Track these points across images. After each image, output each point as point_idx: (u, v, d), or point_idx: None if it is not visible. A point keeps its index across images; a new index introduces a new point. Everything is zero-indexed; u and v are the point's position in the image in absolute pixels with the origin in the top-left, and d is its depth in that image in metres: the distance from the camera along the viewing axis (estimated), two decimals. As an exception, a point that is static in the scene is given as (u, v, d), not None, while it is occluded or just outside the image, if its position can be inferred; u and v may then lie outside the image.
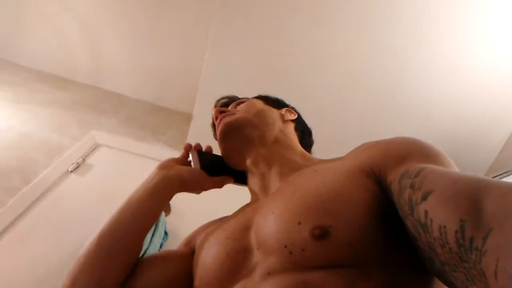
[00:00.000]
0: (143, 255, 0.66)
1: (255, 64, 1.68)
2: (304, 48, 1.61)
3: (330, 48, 1.59)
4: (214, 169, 0.71)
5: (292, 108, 0.84)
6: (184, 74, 2.32)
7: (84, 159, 1.69)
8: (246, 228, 0.55)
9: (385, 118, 1.72)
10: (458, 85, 1.58)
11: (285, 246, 0.44)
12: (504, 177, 1.44)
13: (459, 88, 1.58)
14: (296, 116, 0.80)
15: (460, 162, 1.78)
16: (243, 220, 0.57)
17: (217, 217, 1.39)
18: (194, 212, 1.23)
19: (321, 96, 1.71)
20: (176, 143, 2.01)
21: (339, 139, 1.81)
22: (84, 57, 2.43)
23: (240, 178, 0.74)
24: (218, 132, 0.71)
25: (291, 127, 0.76)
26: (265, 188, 0.66)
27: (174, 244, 1.37)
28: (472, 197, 0.31)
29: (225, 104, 0.84)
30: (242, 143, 0.69)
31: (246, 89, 1.71)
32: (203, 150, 0.77)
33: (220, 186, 0.73)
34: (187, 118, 2.01)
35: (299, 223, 0.44)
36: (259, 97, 0.82)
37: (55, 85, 2.30)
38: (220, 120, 0.72)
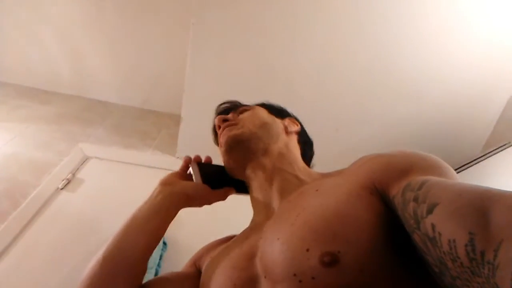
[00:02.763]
0: None
1: (239, 60, 1.63)
2: (290, 38, 1.56)
3: (318, 32, 1.54)
4: (216, 181, 0.72)
5: (295, 118, 0.84)
6: (169, 74, 2.27)
7: (74, 174, 1.64)
8: (251, 256, 0.53)
9: (377, 100, 1.69)
10: (448, 61, 1.54)
11: (294, 275, 0.42)
12: (501, 151, 1.42)
13: (449, 64, 1.55)
14: (299, 127, 0.80)
15: (456, 139, 1.77)
16: (247, 247, 0.56)
17: (216, 225, 1.36)
18: (192, 220, 1.20)
19: (310, 85, 1.67)
20: (167, 147, 1.97)
21: (333, 126, 1.78)
22: (64, 66, 2.36)
23: (242, 187, 0.74)
24: (222, 145, 0.71)
25: (294, 139, 0.76)
26: (267, 206, 0.64)
27: (174, 253, 1.35)
28: (479, 209, 0.31)
29: (227, 110, 0.84)
30: (245, 155, 0.69)
31: (232, 86, 1.67)
32: (203, 161, 0.77)
33: (224, 198, 0.74)
34: (177, 119, 1.97)
35: (307, 250, 0.43)
36: (263, 105, 0.82)
37: (37, 99, 2.24)
38: (223, 129, 0.73)
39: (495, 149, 1.46)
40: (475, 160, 1.54)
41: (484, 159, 1.50)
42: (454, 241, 0.31)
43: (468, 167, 1.55)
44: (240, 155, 0.70)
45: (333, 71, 1.63)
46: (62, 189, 1.55)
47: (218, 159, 0.77)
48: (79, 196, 1.56)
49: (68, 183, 1.59)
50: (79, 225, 1.42)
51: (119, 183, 1.67)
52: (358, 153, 1.80)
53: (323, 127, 1.74)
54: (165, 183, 0.69)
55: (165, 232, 0.65)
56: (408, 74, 1.59)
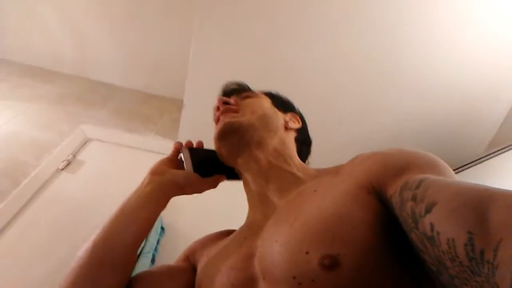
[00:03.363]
0: (139, 254, 0.64)
1: (243, 46, 1.61)
2: (294, 28, 1.53)
3: (321, 27, 1.51)
4: (207, 168, 0.70)
5: (299, 114, 0.81)
6: (173, 59, 2.24)
7: (74, 156, 1.64)
8: (249, 256, 0.53)
9: (382, 94, 1.66)
10: (456, 58, 1.51)
11: (294, 277, 0.42)
12: (505, 151, 1.40)
13: (457, 61, 1.51)
14: (300, 125, 0.77)
15: (460, 137, 1.74)
16: (246, 248, 0.56)
17: (213, 211, 1.36)
18: (190, 205, 1.20)
19: (314, 76, 1.65)
20: (169, 132, 1.96)
21: (336, 118, 1.76)
22: (67, 46, 2.33)
23: (233, 173, 0.73)
24: (216, 130, 0.69)
25: (292, 136, 0.74)
26: (264, 203, 0.63)
27: (172, 239, 1.36)
28: (478, 208, 0.31)
29: (232, 91, 0.81)
30: (238, 145, 0.67)
31: (236, 73, 1.64)
32: (194, 146, 0.75)
33: (215, 186, 0.72)
34: (179, 104, 1.95)
35: (307, 253, 0.43)
36: (268, 95, 0.79)
37: (40, 78, 2.22)
38: (222, 113, 0.70)
39: (500, 150, 1.44)
40: (478, 159, 1.53)
41: (487, 159, 1.48)
42: (453, 240, 0.31)
43: (471, 166, 1.53)
44: (233, 143, 0.68)
45: (339, 64, 1.60)
46: (62, 170, 1.55)
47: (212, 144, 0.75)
48: (79, 177, 1.56)
49: (68, 164, 1.59)
50: (78, 206, 1.42)
51: (119, 166, 1.67)
52: (361, 146, 1.78)
53: (326, 119, 1.73)
54: (155, 172, 0.66)
55: (155, 221, 0.64)
56: (415, 69, 1.56)
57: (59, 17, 2.22)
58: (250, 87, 0.84)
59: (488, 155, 1.49)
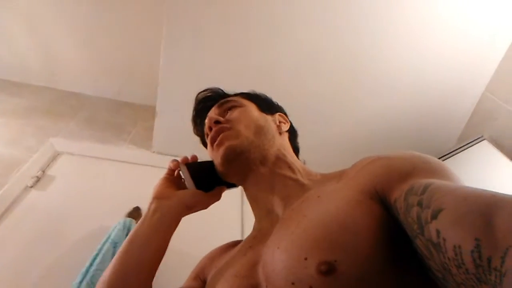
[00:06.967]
0: None
1: (214, 49, 1.59)
2: (264, 30, 1.53)
3: (290, 25, 1.51)
4: (208, 182, 0.70)
5: (282, 110, 0.82)
6: (144, 64, 2.20)
7: (44, 171, 1.58)
8: (253, 264, 0.53)
9: (352, 96, 1.68)
10: (423, 55, 1.54)
11: (293, 283, 0.43)
12: (474, 144, 1.45)
13: (424, 58, 1.55)
14: (289, 123, 0.78)
15: (430, 133, 1.78)
16: (250, 256, 0.56)
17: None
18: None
19: (286, 78, 1.65)
20: (142, 141, 1.91)
21: (310, 120, 1.77)
22: (33, 56, 2.25)
23: (230, 182, 0.73)
24: (220, 156, 0.67)
25: (286, 138, 0.75)
26: (269, 212, 0.63)
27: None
28: (485, 215, 0.30)
29: (208, 100, 0.80)
30: (245, 167, 0.67)
31: (208, 79, 1.61)
32: (190, 160, 0.74)
33: (219, 198, 0.72)
34: (153, 111, 1.91)
35: (306, 259, 0.43)
36: (251, 99, 0.77)
37: (6, 91, 2.13)
38: (217, 133, 0.68)
39: (469, 143, 1.49)
40: (449, 153, 1.57)
41: (458, 153, 1.53)
42: (459, 247, 0.31)
43: (443, 160, 1.58)
44: (240, 167, 0.67)
45: (310, 64, 1.61)
46: (31, 187, 1.49)
47: (198, 153, 0.75)
48: (50, 194, 1.51)
49: (38, 180, 1.53)
50: (49, 225, 1.37)
51: (93, 180, 1.61)
52: (335, 146, 1.77)
53: (300, 120, 1.73)
54: (160, 196, 0.65)
55: (166, 249, 0.62)
56: (383, 68, 1.59)
57: (25, 28, 2.14)
58: (224, 91, 0.83)
59: (458, 148, 1.54)
